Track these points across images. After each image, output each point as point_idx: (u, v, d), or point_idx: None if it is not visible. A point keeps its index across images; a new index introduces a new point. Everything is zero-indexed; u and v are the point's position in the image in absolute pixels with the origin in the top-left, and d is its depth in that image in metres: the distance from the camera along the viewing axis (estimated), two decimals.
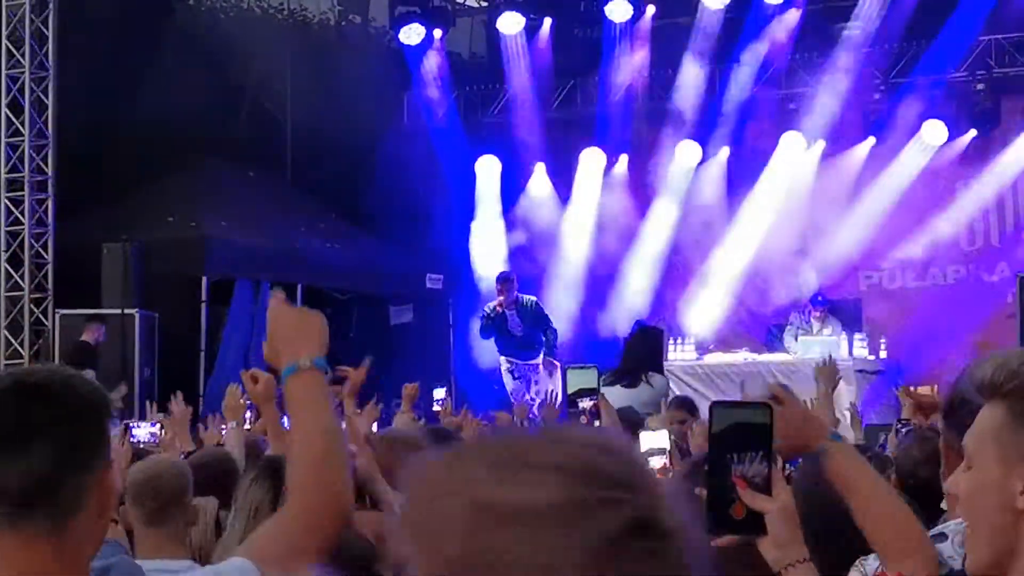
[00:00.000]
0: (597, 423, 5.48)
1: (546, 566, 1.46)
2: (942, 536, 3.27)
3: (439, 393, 12.81)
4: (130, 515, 5.45)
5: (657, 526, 1.51)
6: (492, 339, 18.13)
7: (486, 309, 18.08)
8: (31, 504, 2.46)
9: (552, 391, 9.39)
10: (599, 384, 5.89)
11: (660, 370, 11.74)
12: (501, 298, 17.78)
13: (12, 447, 2.47)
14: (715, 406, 2.84)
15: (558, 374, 17.60)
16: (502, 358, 18.11)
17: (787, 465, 6.03)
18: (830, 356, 8.68)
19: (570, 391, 5.68)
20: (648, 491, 1.53)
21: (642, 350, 12.01)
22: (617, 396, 10.63)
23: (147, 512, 5.31)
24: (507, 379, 17.97)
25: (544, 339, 17.78)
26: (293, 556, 2.77)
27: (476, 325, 18.93)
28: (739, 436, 2.77)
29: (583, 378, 5.75)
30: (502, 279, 18.08)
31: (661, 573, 1.48)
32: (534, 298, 18.41)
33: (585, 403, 5.58)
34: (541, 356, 17.73)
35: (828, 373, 8.44)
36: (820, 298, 18.94)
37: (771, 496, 2.79)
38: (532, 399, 15.23)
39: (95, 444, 2.55)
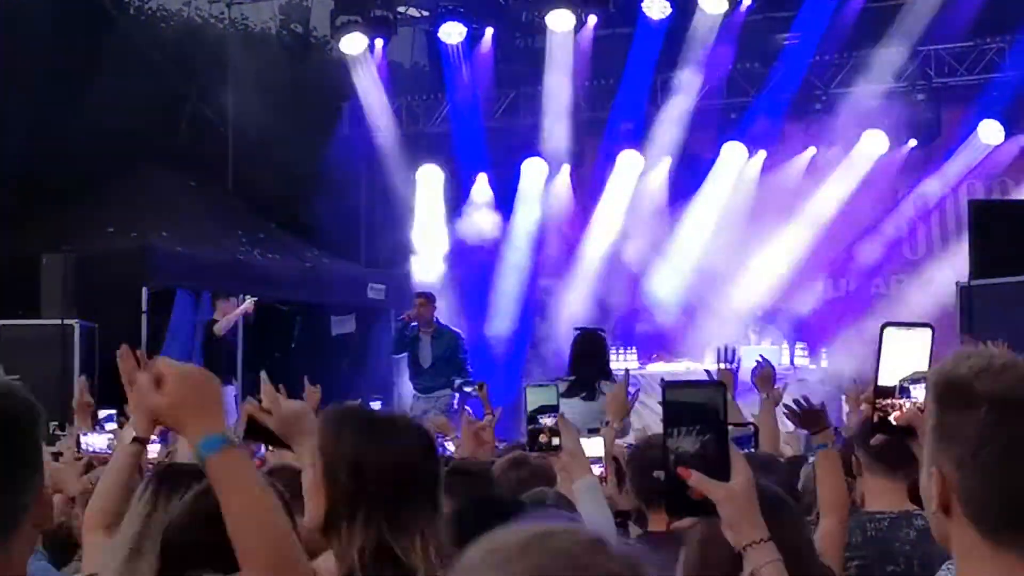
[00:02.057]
0: (557, 440, 5.51)
1: None
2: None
3: (375, 406, 12.77)
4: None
5: None
6: (404, 356, 17.00)
7: (400, 324, 16.86)
8: None
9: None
10: (559, 401, 5.91)
11: (610, 376, 11.62)
12: (416, 312, 16.45)
13: None
14: (667, 387, 2.83)
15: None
16: (414, 393, 16.75)
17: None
18: (762, 357, 8.29)
19: (530, 409, 5.69)
20: None
21: (588, 358, 11.91)
22: (578, 410, 10.60)
23: None
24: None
25: (458, 379, 16.15)
26: None
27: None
28: (692, 416, 2.75)
29: (543, 396, 5.79)
30: (423, 296, 16.96)
31: None
32: (459, 333, 17.21)
33: (547, 420, 5.62)
34: (455, 397, 16.05)
35: (765, 377, 8.00)
36: (761, 308, 19.01)
37: (728, 478, 2.75)
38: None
39: (31, 461, 2.54)
